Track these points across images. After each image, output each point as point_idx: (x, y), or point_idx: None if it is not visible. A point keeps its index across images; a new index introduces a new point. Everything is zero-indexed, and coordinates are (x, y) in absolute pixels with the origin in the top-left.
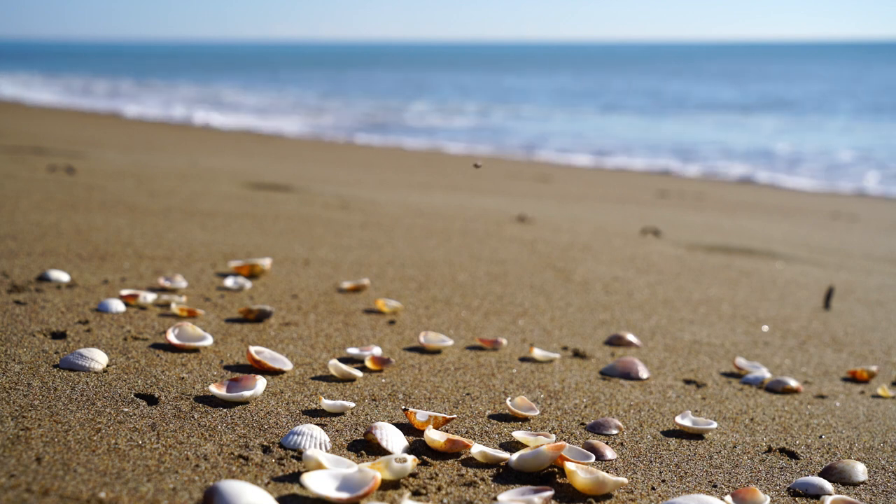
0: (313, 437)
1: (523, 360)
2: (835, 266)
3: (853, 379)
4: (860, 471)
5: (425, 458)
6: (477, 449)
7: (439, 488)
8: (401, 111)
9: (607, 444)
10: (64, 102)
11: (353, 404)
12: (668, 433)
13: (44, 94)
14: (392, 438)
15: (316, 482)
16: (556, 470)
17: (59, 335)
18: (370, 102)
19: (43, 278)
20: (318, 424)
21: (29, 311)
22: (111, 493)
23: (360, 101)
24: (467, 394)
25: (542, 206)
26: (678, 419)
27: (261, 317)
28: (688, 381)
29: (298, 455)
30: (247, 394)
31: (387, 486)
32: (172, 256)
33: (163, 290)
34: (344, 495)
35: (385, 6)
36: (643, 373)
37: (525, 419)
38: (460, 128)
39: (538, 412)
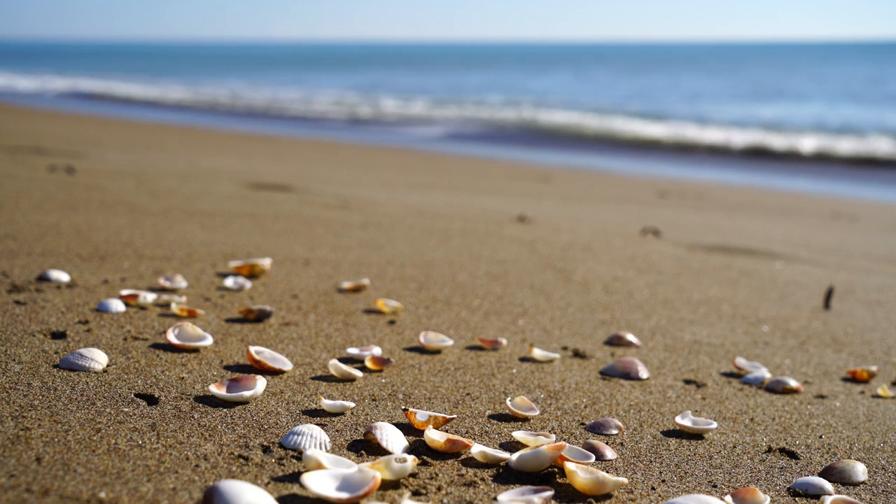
0: (313, 437)
1: (523, 360)
2: (835, 266)
3: (853, 379)
4: (860, 471)
5: (425, 458)
6: (477, 449)
7: (439, 488)
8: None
9: (607, 444)
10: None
11: (353, 404)
12: (668, 433)
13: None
14: (392, 438)
15: (316, 482)
16: (556, 470)
17: (59, 335)
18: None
19: (43, 278)
20: (318, 424)
21: (29, 311)
22: (111, 493)
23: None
24: (467, 394)
25: (542, 206)
26: (678, 419)
27: (261, 317)
28: (688, 381)
29: (298, 455)
30: (247, 394)
31: (387, 486)
32: (172, 256)
33: (163, 290)
34: (344, 495)
35: (385, 6)
36: (643, 373)
37: (525, 419)
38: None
39: (538, 412)
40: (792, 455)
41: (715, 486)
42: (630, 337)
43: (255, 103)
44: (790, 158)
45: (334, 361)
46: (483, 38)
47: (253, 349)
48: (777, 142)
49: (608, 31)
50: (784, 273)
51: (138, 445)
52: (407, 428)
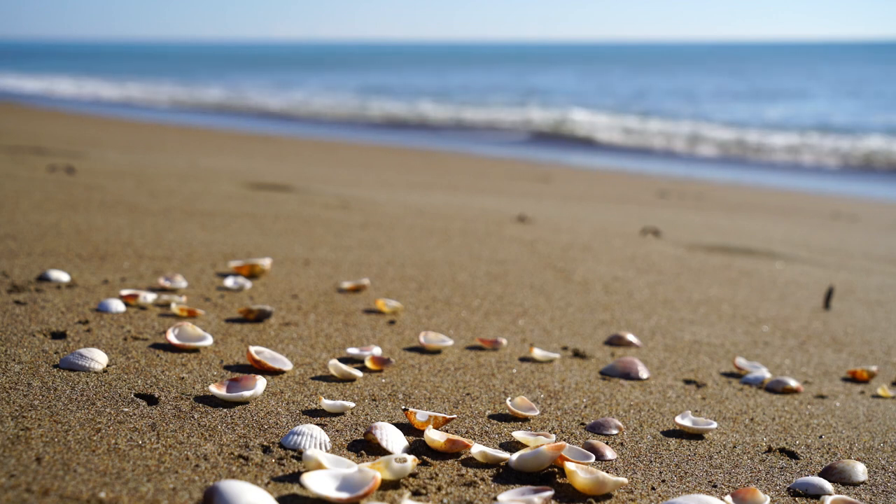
0: (313, 437)
1: (523, 360)
2: (835, 266)
3: (853, 379)
4: (860, 471)
5: (425, 458)
6: (477, 449)
7: (439, 488)
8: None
9: (607, 444)
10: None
11: (353, 404)
12: (668, 433)
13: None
14: (392, 438)
15: (316, 482)
16: (556, 470)
17: (59, 335)
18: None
19: (43, 278)
20: (318, 424)
21: (29, 311)
22: (111, 493)
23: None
24: (467, 394)
25: (542, 206)
26: (678, 419)
27: (261, 317)
28: (688, 381)
29: (298, 455)
30: (247, 394)
31: (387, 486)
32: (172, 256)
33: (163, 290)
34: (344, 495)
35: (385, 6)
36: (643, 373)
37: (525, 419)
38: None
39: (538, 412)
40: (792, 455)
41: (715, 486)
42: (630, 337)
43: (314, 109)
44: (790, 158)
45: (334, 361)
46: (483, 38)
47: (253, 349)
48: (777, 141)
49: (608, 31)
50: (784, 273)
51: (138, 445)
52: (407, 428)
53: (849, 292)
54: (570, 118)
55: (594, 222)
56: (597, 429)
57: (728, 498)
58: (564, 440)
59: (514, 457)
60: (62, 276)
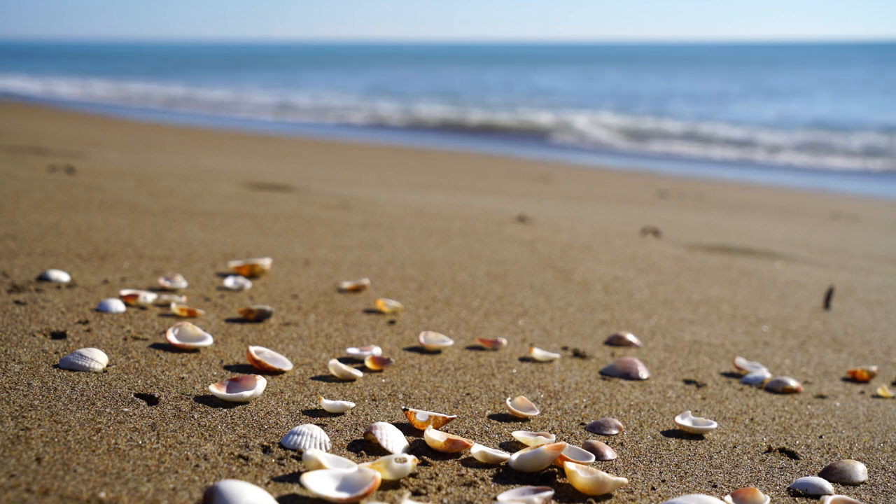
0: (313, 437)
1: (523, 360)
2: (835, 266)
3: (853, 379)
4: (860, 471)
5: (425, 458)
6: (477, 449)
7: (439, 488)
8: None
9: (607, 444)
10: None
11: (353, 404)
12: (668, 433)
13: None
14: (392, 438)
15: (316, 482)
16: (556, 470)
17: (59, 335)
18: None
19: (43, 278)
20: (318, 424)
21: (29, 311)
22: (111, 493)
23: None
24: (467, 394)
25: (542, 206)
26: (678, 419)
27: (261, 317)
28: (688, 381)
29: (298, 455)
30: (247, 394)
31: (387, 486)
32: (172, 256)
33: (163, 290)
34: (344, 495)
35: (385, 6)
36: (643, 373)
37: (525, 419)
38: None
39: (538, 412)
40: (792, 455)
41: (715, 486)
42: (630, 337)
43: (315, 110)
44: (790, 158)
45: (334, 361)
46: (483, 38)
47: (253, 349)
48: (777, 141)
49: (608, 31)
50: (784, 273)
51: (138, 445)
52: (407, 428)
53: (849, 292)
54: (571, 119)
55: (594, 222)
56: (597, 429)
57: (728, 498)
58: (564, 440)
59: (514, 457)
60: (62, 276)
